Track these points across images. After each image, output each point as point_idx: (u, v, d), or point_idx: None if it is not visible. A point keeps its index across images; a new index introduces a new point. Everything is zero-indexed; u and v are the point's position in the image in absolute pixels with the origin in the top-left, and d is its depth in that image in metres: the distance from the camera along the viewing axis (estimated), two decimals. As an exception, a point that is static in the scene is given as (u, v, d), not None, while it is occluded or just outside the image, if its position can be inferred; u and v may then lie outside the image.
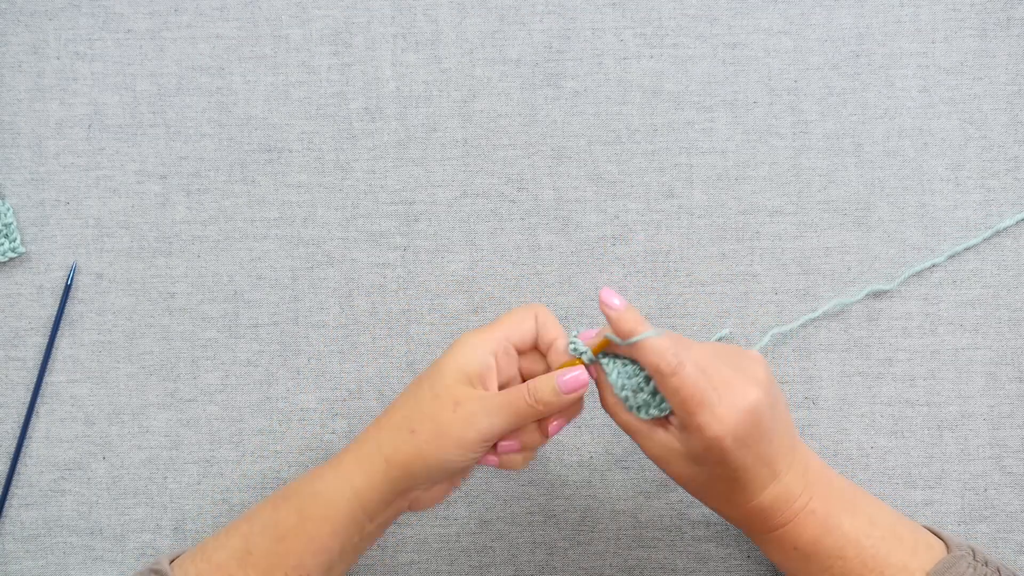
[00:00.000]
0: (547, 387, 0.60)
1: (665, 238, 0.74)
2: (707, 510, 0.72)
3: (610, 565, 0.72)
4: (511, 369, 0.63)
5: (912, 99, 0.74)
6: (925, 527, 0.64)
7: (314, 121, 0.75)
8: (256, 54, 0.75)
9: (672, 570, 0.72)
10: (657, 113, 0.74)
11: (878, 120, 0.74)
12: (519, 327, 0.62)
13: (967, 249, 0.73)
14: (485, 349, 0.61)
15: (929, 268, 0.73)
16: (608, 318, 0.59)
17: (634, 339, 0.58)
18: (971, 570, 0.59)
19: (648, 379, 0.59)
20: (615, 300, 0.59)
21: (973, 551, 0.61)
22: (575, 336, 0.61)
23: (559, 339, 0.62)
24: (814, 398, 0.73)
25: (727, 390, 0.58)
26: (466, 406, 0.59)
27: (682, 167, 0.74)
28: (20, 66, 0.75)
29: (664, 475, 0.72)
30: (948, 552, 0.61)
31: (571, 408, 0.63)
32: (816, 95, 0.74)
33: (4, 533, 0.74)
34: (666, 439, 0.60)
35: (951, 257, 0.73)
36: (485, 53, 0.75)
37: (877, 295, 0.73)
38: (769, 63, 0.74)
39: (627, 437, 0.73)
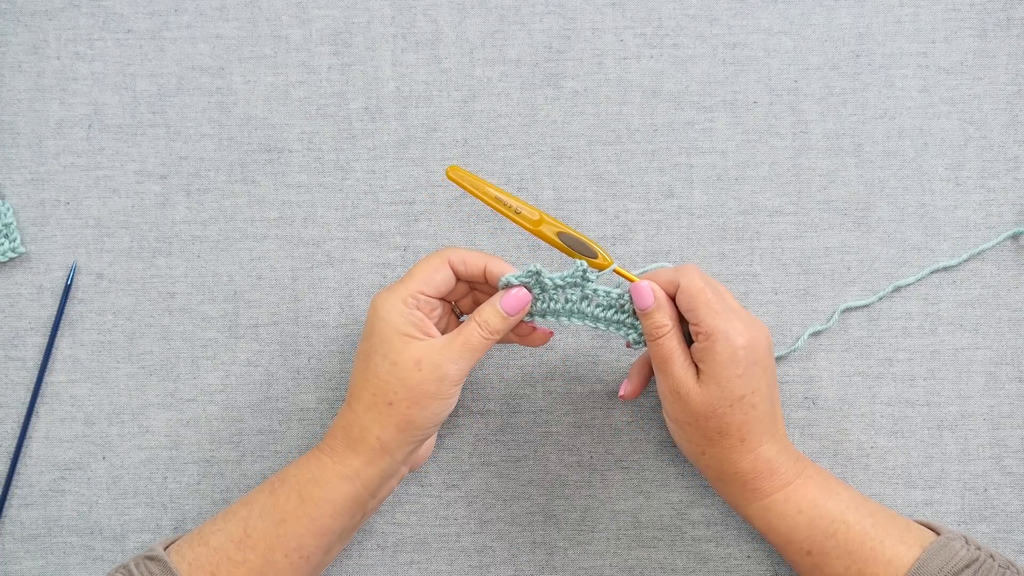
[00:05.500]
0: (493, 314, 0.63)
1: (665, 238, 0.74)
2: (707, 510, 0.72)
3: (610, 565, 0.72)
4: (440, 313, 0.66)
5: (912, 99, 0.74)
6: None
7: (314, 121, 0.75)
8: (256, 54, 0.75)
9: (672, 570, 0.72)
10: (657, 113, 0.74)
11: (878, 120, 0.74)
12: (432, 278, 0.64)
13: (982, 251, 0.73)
14: (403, 305, 0.62)
15: (929, 269, 0.73)
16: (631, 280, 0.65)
17: (651, 268, 0.69)
18: (964, 551, 0.61)
19: (617, 308, 0.65)
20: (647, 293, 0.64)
21: (965, 538, 0.62)
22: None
23: (488, 265, 0.64)
24: (814, 398, 0.73)
25: (745, 315, 0.63)
26: (428, 360, 0.61)
27: (682, 167, 0.74)
28: (20, 66, 0.75)
29: (664, 475, 0.72)
30: (938, 535, 0.63)
31: (536, 337, 0.67)
32: (816, 95, 0.74)
33: (4, 533, 0.74)
34: (686, 369, 0.62)
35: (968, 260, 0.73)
36: (485, 53, 0.75)
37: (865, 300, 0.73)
38: (769, 63, 0.74)
39: (627, 437, 0.73)
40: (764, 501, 0.63)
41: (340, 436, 0.63)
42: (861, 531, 0.61)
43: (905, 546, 0.61)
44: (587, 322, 0.65)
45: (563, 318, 0.65)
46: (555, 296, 0.65)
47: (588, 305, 0.65)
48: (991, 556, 0.61)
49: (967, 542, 0.62)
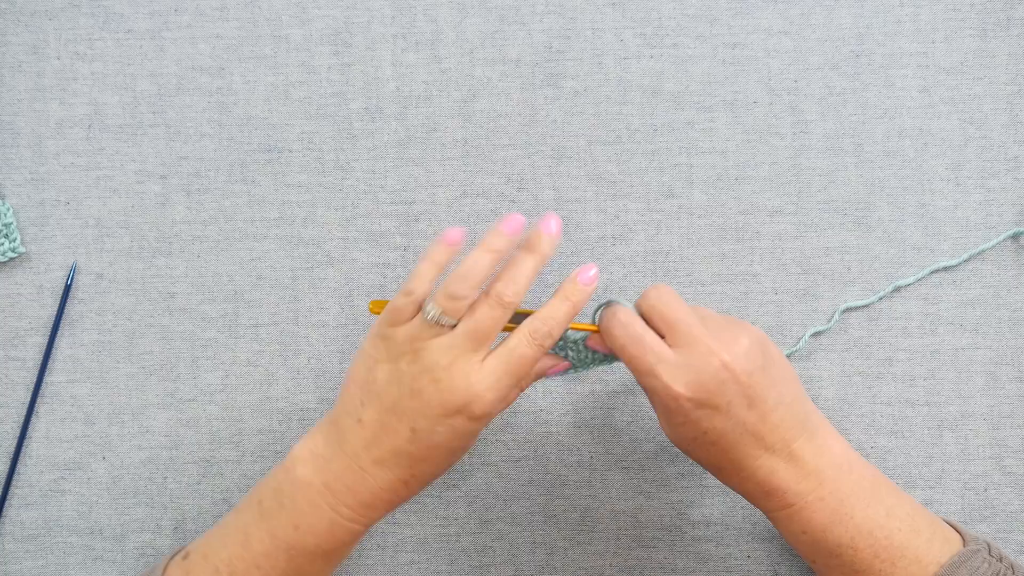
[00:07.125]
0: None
1: (665, 238, 0.74)
2: (707, 510, 0.72)
3: (610, 565, 0.72)
4: None
5: (912, 99, 0.74)
6: (946, 521, 0.63)
7: (314, 121, 0.75)
8: (256, 54, 0.75)
9: (672, 570, 0.72)
10: (657, 113, 0.74)
11: (878, 120, 0.74)
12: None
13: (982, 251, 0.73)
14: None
15: (928, 269, 0.73)
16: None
17: (601, 307, 0.61)
18: (985, 565, 0.59)
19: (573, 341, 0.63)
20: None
21: (989, 546, 0.61)
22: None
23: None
24: (814, 398, 0.73)
25: (691, 351, 0.58)
26: (488, 415, 0.59)
27: (682, 167, 0.74)
28: (20, 66, 0.75)
29: (664, 475, 0.72)
30: (964, 546, 0.60)
31: None
32: (816, 95, 0.74)
33: (4, 533, 0.74)
34: (652, 399, 0.61)
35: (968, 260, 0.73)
36: (485, 53, 0.75)
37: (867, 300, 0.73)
38: (769, 63, 0.74)
39: (627, 437, 0.73)
40: (767, 513, 0.62)
41: (383, 508, 0.61)
42: (871, 555, 0.59)
43: (919, 566, 0.59)
44: (594, 366, 0.64)
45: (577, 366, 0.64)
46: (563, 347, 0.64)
47: (575, 352, 0.63)
48: (1012, 568, 0.59)
49: (990, 552, 0.60)
